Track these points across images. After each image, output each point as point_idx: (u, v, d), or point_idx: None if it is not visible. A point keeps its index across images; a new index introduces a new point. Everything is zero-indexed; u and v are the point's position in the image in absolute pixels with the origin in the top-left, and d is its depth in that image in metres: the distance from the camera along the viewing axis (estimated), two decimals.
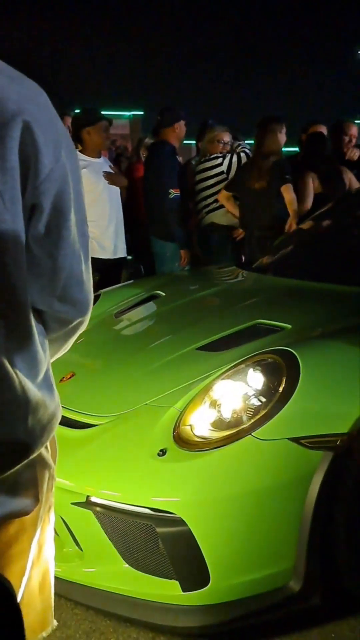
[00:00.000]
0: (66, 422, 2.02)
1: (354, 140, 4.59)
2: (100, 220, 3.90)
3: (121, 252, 4.06)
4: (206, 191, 4.44)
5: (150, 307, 2.80)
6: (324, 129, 4.67)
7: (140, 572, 1.79)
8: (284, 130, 4.13)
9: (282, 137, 4.11)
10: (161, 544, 1.72)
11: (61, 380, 2.26)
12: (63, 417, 2.05)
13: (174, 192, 4.22)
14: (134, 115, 19.86)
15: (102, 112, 4.16)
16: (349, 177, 4.21)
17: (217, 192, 4.37)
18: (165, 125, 4.36)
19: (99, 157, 3.99)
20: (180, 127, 4.35)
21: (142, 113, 19.29)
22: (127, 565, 1.80)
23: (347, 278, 2.55)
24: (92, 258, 3.68)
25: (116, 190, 4.04)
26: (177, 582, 1.74)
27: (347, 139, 4.52)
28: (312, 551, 1.74)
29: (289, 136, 4.25)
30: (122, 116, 19.37)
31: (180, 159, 4.72)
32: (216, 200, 4.39)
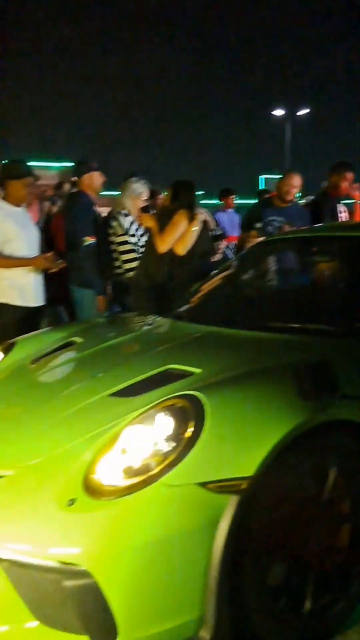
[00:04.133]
0: None
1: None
2: (21, 267, 3.89)
3: (41, 300, 4.05)
4: (117, 246, 4.53)
5: (67, 354, 2.79)
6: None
7: (50, 629, 1.73)
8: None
9: None
10: (69, 597, 1.68)
11: None
12: None
13: (88, 240, 4.29)
14: (63, 167, 20.11)
15: (31, 163, 4.22)
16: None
17: (122, 251, 4.47)
18: (78, 175, 4.51)
19: (20, 206, 4.01)
20: (92, 178, 4.48)
21: (71, 164, 19.56)
22: (37, 622, 1.74)
23: (254, 324, 2.64)
24: (12, 306, 3.67)
25: (35, 238, 4.05)
26: (87, 637, 1.70)
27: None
28: (221, 598, 1.74)
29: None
30: (52, 167, 19.59)
31: (100, 209, 4.82)
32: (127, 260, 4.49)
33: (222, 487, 1.74)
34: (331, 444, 2.02)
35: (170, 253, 4.11)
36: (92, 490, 1.76)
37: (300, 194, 6.57)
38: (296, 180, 4.69)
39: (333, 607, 2.05)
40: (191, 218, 4.12)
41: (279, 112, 29.07)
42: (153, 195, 5.11)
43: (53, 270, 4.01)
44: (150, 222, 4.29)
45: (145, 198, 4.68)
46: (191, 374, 2.20)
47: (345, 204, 5.34)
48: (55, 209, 6.39)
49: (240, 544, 1.77)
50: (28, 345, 2.94)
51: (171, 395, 1.94)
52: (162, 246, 4.11)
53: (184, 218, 4.10)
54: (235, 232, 6.98)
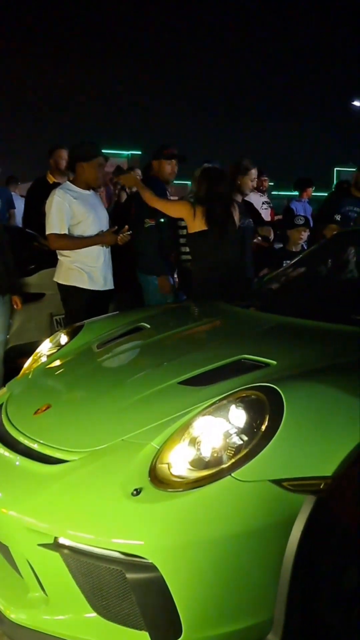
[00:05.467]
0: (39, 457, 1.93)
1: None
2: (89, 251, 3.86)
3: (109, 284, 4.01)
4: (182, 231, 4.42)
5: (134, 339, 2.72)
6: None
7: (108, 622, 1.67)
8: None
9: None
10: (131, 591, 1.61)
11: (36, 412, 2.17)
12: (35, 451, 1.98)
13: (149, 222, 4.20)
14: (131, 154, 20.25)
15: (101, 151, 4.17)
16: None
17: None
18: (152, 158, 4.44)
19: (89, 189, 3.98)
20: (161, 164, 4.39)
21: (139, 152, 19.66)
22: (94, 614, 1.68)
23: (334, 316, 2.48)
24: (82, 289, 3.62)
25: (105, 221, 4.02)
26: (147, 633, 1.62)
27: None
28: (292, 603, 1.63)
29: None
30: (121, 155, 19.75)
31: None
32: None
33: (299, 485, 1.63)
34: None
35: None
36: (159, 480, 1.68)
37: None
38: None
39: None
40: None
41: (358, 103, 28.11)
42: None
43: (124, 241, 3.94)
44: (131, 181, 4.16)
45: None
46: (266, 365, 2.08)
47: None
48: (124, 195, 6.37)
49: (316, 545, 1.65)
50: (95, 329, 2.89)
51: (246, 386, 1.83)
52: (149, 201, 4.00)
53: (187, 207, 3.90)
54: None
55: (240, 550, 1.60)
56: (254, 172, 4.52)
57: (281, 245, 5.12)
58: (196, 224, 3.82)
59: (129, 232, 3.95)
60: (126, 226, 3.97)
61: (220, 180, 3.89)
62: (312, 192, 8.32)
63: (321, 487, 1.64)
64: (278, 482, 1.62)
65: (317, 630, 1.74)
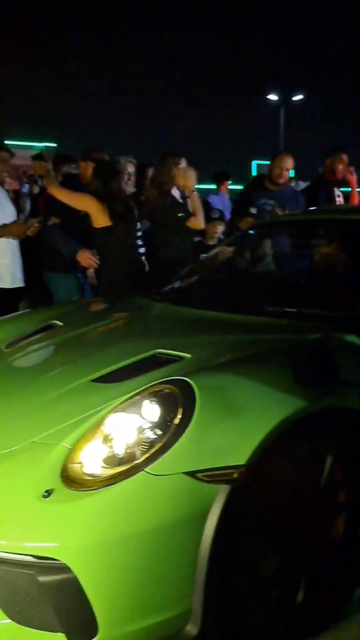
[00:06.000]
0: None
1: None
2: None
3: (19, 282, 3.91)
4: None
5: (45, 337, 2.65)
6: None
7: (23, 627, 1.62)
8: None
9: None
10: (45, 594, 1.56)
11: None
12: None
13: (53, 220, 4.13)
14: (46, 147, 19.78)
15: (10, 142, 4.05)
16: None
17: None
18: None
19: None
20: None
21: (54, 145, 19.26)
22: (8, 620, 1.62)
23: (247, 308, 2.52)
24: None
25: (11, 215, 3.91)
26: (63, 635, 1.59)
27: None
28: (210, 593, 1.64)
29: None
30: (34, 147, 19.21)
31: None
32: None
33: (212, 476, 1.64)
34: (329, 432, 1.92)
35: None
36: (71, 480, 1.64)
37: (293, 175, 6.42)
38: (288, 162, 4.56)
39: (328, 598, 1.96)
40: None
41: (273, 97, 28.55)
42: (142, 170, 4.92)
43: (34, 232, 3.84)
44: (41, 168, 4.19)
45: (131, 173, 4.51)
46: (181, 359, 2.08)
47: (342, 191, 5.24)
48: (36, 189, 6.21)
49: (231, 534, 1.67)
50: (4, 328, 2.80)
51: (159, 381, 1.83)
52: (53, 191, 3.97)
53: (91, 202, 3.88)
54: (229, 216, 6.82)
55: (156, 544, 1.59)
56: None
57: (199, 239, 5.16)
58: (100, 219, 3.80)
59: (37, 223, 3.85)
60: (37, 218, 3.89)
61: (113, 175, 3.90)
62: (229, 185, 8.43)
63: (234, 476, 1.65)
64: (192, 474, 1.62)
65: (236, 618, 1.76)
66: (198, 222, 4.28)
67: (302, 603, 1.89)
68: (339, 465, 1.95)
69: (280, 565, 1.86)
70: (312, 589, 1.91)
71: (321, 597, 1.94)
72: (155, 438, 1.68)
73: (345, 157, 5.03)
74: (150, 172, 4.79)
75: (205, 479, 1.63)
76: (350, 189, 5.32)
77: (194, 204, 4.25)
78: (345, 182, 5.22)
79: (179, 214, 4.14)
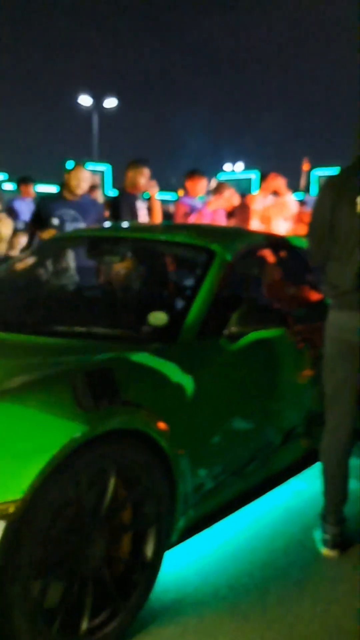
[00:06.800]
0: None
1: None
2: None
3: None
4: None
5: None
6: None
7: None
8: None
9: None
10: None
11: None
12: None
13: None
14: None
15: None
16: None
17: None
18: None
19: None
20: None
21: None
22: None
23: (37, 328, 2.45)
24: None
25: None
26: None
27: None
28: None
29: None
30: None
31: None
32: None
33: None
34: (113, 453, 1.92)
35: None
36: None
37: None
38: (85, 174, 4.55)
39: (112, 620, 1.97)
40: None
41: (85, 101, 27.94)
42: None
43: None
44: None
45: None
46: None
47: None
48: None
49: (9, 571, 1.60)
50: None
51: None
52: None
53: None
54: None
55: None
56: None
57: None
58: None
59: None
60: None
61: None
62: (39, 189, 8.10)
63: (10, 510, 1.59)
64: None
65: None
66: None
67: (86, 629, 1.87)
68: (123, 485, 1.97)
69: (65, 592, 1.83)
70: (97, 612, 1.91)
71: (107, 620, 1.94)
72: None
73: (146, 171, 5.14)
74: None
75: None
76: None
77: None
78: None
79: None
